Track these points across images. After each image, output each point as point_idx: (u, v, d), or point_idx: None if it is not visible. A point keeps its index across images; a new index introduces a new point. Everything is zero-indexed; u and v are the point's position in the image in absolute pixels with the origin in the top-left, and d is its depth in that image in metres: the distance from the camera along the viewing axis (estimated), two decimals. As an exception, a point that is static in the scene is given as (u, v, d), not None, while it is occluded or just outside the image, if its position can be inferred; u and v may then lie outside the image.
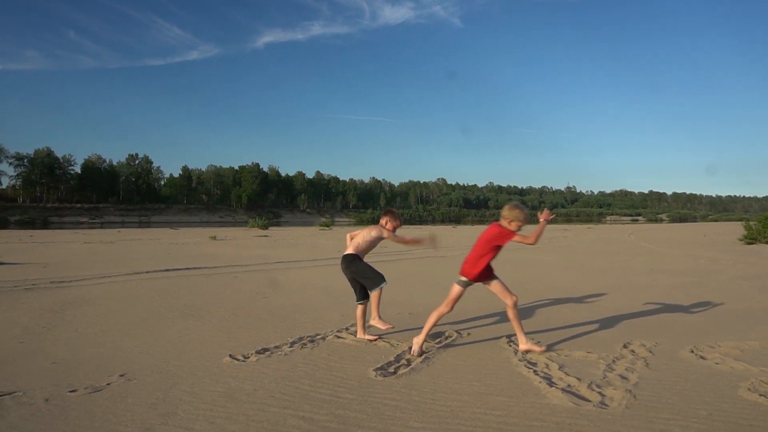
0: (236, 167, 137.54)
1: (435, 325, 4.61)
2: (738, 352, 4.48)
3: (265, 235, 29.34)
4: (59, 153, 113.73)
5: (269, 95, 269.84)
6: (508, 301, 4.54)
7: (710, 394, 3.39)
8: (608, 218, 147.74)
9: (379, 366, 4.07)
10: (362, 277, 5.04)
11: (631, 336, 5.14)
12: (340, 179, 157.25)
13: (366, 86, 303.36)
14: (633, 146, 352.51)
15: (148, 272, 10.75)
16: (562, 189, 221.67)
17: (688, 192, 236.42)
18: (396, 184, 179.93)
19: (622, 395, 3.34)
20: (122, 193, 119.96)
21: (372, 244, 5.24)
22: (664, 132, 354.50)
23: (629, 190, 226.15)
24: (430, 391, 3.50)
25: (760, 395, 3.31)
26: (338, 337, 5.11)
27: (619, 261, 13.77)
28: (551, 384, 3.59)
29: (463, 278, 4.57)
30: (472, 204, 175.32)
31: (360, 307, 5.12)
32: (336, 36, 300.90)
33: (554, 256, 15.61)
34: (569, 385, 3.57)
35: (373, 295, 5.01)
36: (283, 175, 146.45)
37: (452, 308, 4.58)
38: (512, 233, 4.51)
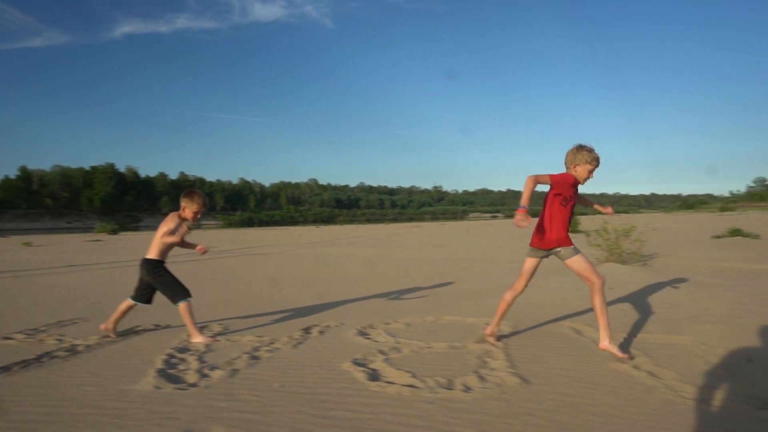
0: (87, 168, 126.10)
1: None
2: (402, 326, 4.77)
3: (99, 240, 27.06)
4: None
5: (127, 89, 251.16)
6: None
7: (315, 367, 3.52)
8: (471, 215, 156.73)
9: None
10: (161, 288, 4.46)
11: (329, 318, 5.29)
12: (207, 180, 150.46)
13: (235, 84, 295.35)
14: (492, 145, 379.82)
15: None
16: (430, 188, 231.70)
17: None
18: (267, 185, 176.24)
19: (221, 376, 3.35)
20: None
21: (167, 242, 4.45)
22: (520, 129, 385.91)
23: (490, 188, 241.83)
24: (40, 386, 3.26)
25: (354, 364, 3.51)
26: (6, 338, 4.68)
27: (424, 252, 14.52)
28: (166, 369, 3.51)
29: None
30: (344, 204, 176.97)
31: (128, 303, 4.55)
32: (203, 30, 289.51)
33: (368, 250, 16.09)
34: (185, 369, 3.53)
35: (181, 310, 4.39)
36: (143, 176, 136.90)
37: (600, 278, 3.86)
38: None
